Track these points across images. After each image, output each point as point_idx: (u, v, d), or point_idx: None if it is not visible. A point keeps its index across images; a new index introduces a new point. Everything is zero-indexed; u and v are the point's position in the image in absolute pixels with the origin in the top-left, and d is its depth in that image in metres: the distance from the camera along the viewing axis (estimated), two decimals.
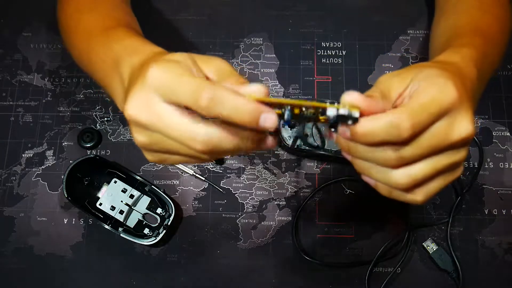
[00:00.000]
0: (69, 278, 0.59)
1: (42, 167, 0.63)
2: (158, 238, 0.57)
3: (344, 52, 0.67)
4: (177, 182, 0.62)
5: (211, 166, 0.63)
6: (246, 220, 0.61)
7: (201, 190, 0.62)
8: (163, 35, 0.68)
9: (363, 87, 0.65)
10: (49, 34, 0.68)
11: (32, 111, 0.65)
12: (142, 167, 0.62)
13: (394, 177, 0.34)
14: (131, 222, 0.59)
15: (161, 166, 0.62)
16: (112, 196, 0.59)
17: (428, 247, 0.58)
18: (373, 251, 0.58)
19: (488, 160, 0.62)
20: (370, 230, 0.60)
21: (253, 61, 0.67)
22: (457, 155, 0.34)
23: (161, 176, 0.62)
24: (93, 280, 0.58)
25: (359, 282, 0.58)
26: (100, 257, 0.59)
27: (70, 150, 0.63)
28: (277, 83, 0.66)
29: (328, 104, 0.32)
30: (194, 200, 0.61)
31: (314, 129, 0.59)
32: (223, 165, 0.62)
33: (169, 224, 0.58)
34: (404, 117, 0.31)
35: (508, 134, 0.63)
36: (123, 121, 0.64)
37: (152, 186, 0.59)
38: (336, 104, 0.32)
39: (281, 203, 0.61)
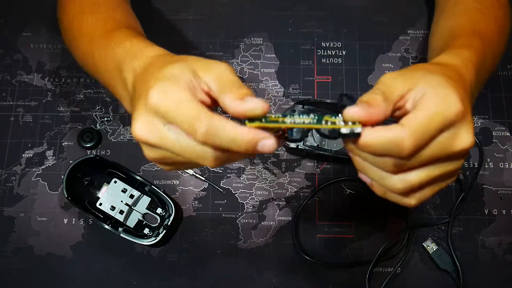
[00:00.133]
0: (69, 278, 0.59)
1: (42, 167, 0.63)
2: (158, 238, 0.57)
3: (344, 52, 0.67)
4: (177, 182, 0.62)
5: None
6: (246, 220, 0.61)
7: (201, 190, 0.62)
8: (163, 35, 0.68)
9: (363, 87, 0.65)
10: (49, 34, 0.68)
11: (32, 111, 0.65)
12: (142, 167, 0.62)
13: (390, 181, 0.34)
14: (131, 222, 0.59)
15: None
16: (112, 196, 0.59)
17: (428, 247, 0.58)
18: (373, 251, 0.58)
19: (488, 160, 0.62)
20: (370, 230, 0.60)
21: (253, 61, 0.67)
22: (454, 165, 0.34)
23: (161, 176, 0.62)
24: (93, 280, 0.58)
25: (359, 282, 0.58)
26: (100, 257, 0.59)
27: (70, 150, 0.63)
28: (277, 83, 0.66)
29: (330, 124, 0.32)
30: (194, 200, 0.61)
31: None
32: (223, 165, 0.62)
33: (169, 224, 0.58)
34: (406, 136, 0.31)
35: (508, 134, 0.63)
36: (123, 121, 0.64)
37: (152, 186, 0.59)
38: (337, 117, 0.32)
39: (281, 203, 0.61)
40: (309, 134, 0.59)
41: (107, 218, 0.59)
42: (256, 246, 0.60)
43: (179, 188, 0.62)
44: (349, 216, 0.60)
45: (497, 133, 0.63)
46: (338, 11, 0.69)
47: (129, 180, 0.60)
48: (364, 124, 0.32)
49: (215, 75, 0.33)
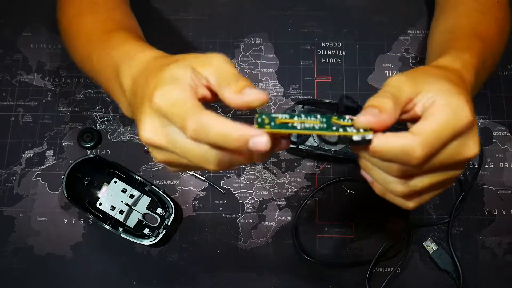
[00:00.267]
0: (69, 278, 0.59)
1: (42, 167, 0.63)
2: (158, 238, 0.57)
3: (344, 52, 0.67)
4: (177, 182, 0.62)
5: None
6: (246, 220, 0.61)
7: (201, 190, 0.62)
8: (163, 35, 0.68)
9: (363, 87, 0.65)
10: (49, 34, 0.68)
11: (32, 111, 0.65)
12: (142, 167, 0.62)
13: (392, 184, 0.35)
14: (131, 222, 0.59)
15: (161, 166, 0.62)
16: (112, 196, 0.59)
17: (428, 247, 0.58)
18: (373, 251, 0.58)
19: (488, 160, 0.62)
20: (370, 230, 0.60)
21: (253, 61, 0.67)
22: (456, 172, 0.35)
23: (161, 176, 0.62)
24: (93, 280, 0.58)
25: (359, 282, 0.58)
26: (100, 257, 0.59)
27: (70, 150, 0.63)
28: (277, 83, 0.66)
29: (341, 131, 0.32)
30: (194, 200, 0.61)
31: None
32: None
33: (169, 224, 0.58)
34: (418, 145, 0.31)
35: (508, 134, 0.63)
36: (123, 121, 0.64)
37: (152, 186, 0.59)
38: (346, 120, 0.32)
39: (281, 203, 0.61)
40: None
41: (107, 218, 0.59)
42: (256, 246, 0.60)
43: (179, 188, 0.62)
44: (349, 216, 0.60)
45: (497, 133, 0.63)
46: (338, 11, 0.69)
47: (129, 180, 0.60)
48: (374, 130, 0.32)
49: (213, 68, 0.33)
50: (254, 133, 0.30)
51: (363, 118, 0.31)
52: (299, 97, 0.65)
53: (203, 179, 0.62)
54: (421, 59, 0.66)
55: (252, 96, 0.32)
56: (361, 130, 0.32)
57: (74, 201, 0.57)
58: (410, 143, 0.31)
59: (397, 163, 0.32)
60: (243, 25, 0.68)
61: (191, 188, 0.62)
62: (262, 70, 0.66)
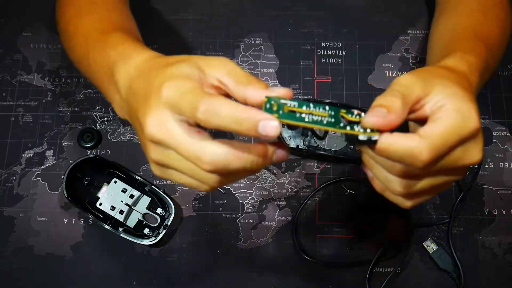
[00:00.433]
0: (69, 278, 0.59)
1: (42, 167, 0.63)
2: (158, 238, 0.57)
3: (344, 52, 0.67)
4: None
5: None
6: (246, 220, 0.61)
7: None
8: (162, 35, 0.68)
9: (363, 87, 0.65)
10: (49, 34, 0.68)
11: (32, 111, 0.65)
12: (142, 167, 0.62)
13: (393, 183, 0.35)
14: (131, 222, 0.59)
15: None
16: (112, 196, 0.59)
17: (428, 247, 0.58)
18: (373, 251, 0.58)
19: (488, 160, 0.62)
20: (370, 230, 0.60)
21: (253, 61, 0.67)
22: (457, 176, 0.35)
23: None
24: (93, 280, 0.58)
25: (359, 282, 0.58)
26: (100, 257, 0.59)
27: (70, 150, 0.63)
28: (277, 83, 0.66)
29: (348, 129, 0.32)
30: (194, 200, 0.61)
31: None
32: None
33: (169, 224, 0.58)
34: (425, 149, 0.31)
35: (508, 134, 0.63)
36: (123, 121, 0.64)
37: (152, 186, 0.59)
38: (354, 115, 0.32)
39: (281, 203, 0.61)
40: (309, 133, 0.60)
41: (107, 218, 0.59)
42: (256, 246, 0.60)
43: (179, 188, 0.62)
44: (349, 216, 0.60)
45: (497, 133, 0.63)
46: (338, 11, 0.69)
47: (129, 180, 0.60)
48: (381, 130, 0.31)
49: (228, 69, 0.33)
50: (265, 116, 0.30)
51: (371, 119, 0.31)
52: (299, 97, 0.65)
53: None
54: (421, 59, 0.66)
55: (279, 91, 0.32)
56: (368, 130, 0.31)
57: (74, 201, 0.57)
58: (418, 145, 0.31)
59: (402, 164, 0.32)
60: (243, 25, 0.68)
61: (191, 188, 0.62)
62: (262, 70, 0.66)
